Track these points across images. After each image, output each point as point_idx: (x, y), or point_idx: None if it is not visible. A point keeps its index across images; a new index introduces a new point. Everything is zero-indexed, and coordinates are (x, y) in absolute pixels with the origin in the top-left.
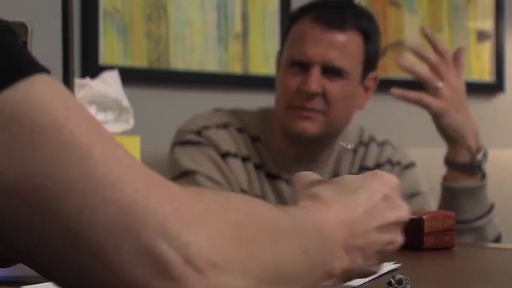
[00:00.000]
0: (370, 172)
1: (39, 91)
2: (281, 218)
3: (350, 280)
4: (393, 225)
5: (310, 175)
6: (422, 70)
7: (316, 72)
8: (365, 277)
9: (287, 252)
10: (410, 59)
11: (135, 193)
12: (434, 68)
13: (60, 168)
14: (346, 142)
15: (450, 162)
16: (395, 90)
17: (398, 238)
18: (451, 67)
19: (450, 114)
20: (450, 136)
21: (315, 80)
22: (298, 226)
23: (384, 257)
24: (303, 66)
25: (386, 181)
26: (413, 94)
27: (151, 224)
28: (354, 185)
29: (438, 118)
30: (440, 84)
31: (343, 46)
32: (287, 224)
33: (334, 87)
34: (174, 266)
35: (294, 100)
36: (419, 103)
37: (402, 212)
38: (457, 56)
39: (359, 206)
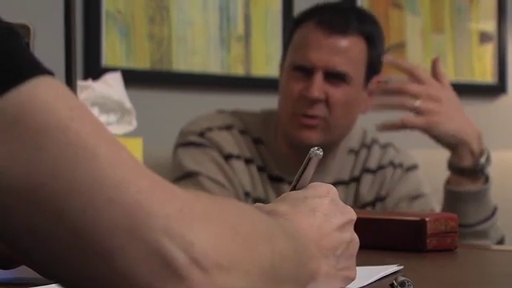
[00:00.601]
0: (309, 185)
1: (43, 92)
2: (269, 220)
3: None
4: (347, 224)
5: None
6: (406, 63)
7: (319, 78)
8: (346, 284)
9: (280, 252)
10: (411, 61)
11: (139, 194)
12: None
13: (65, 168)
14: (318, 148)
15: (453, 167)
16: (379, 125)
17: (355, 237)
18: (432, 83)
19: (443, 124)
20: (451, 144)
21: (318, 86)
22: (284, 229)
23: (352, 258)
24: (306, 71)
25: (326, 189)
26: (396, 125)
27: (155, 224)
28: (301, 196)
29: (428, 132)
30: (418, 103)
31: (346, 50)
32: (275, 226)
33: (336, 93)
34: (180, 266)
35: (296, 106)
36: (405, 128)
37: (351, 213)
38: (434, 67)
39: (316, 211)
